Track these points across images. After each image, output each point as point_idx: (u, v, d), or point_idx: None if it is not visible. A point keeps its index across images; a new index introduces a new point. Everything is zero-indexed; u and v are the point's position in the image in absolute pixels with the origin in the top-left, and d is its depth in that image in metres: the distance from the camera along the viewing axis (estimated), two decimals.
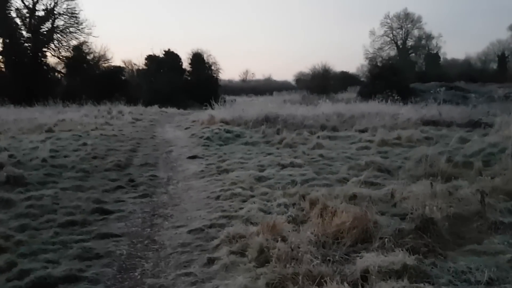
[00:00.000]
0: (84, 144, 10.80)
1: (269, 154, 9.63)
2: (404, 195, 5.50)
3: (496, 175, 6.16)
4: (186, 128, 15.71)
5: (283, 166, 8.09)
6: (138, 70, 39.47)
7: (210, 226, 4.84)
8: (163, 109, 28.51)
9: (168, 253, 4.24)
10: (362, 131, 13.68)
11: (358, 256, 3.64)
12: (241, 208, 5.42)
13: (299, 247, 3.66)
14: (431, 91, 34.82)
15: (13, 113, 21.42)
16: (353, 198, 5.42)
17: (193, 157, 9.63)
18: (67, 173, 7.70)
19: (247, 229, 4.40)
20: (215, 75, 40.20)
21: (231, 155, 9.56)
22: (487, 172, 6.65)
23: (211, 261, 3.90)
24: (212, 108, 18.92)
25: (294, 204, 5.38)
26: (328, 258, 3.61)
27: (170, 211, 5.69)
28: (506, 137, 9.29)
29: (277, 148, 10.61)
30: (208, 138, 11.97)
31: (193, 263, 3.97)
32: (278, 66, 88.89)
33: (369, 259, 3.45)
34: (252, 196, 6.00)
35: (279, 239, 3.85)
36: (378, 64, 43.62)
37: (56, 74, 36.95)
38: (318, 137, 12.17)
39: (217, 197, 6.15)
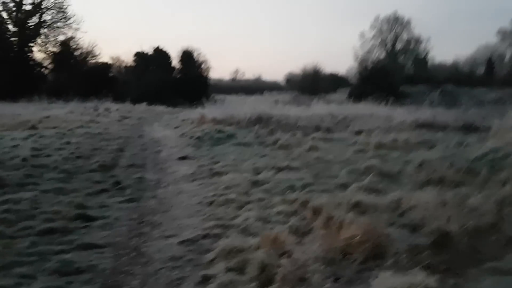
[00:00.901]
0: (68, 142, 10.28)
1: (264, 156, 9.23)
2: (411, 204, 5.15)
3: (506, 182, 5.85)
4: (175, 127, 15.23)
5: (279, 169, 7.69)
6: (126, 67, 38.76)
7: (204, 237, 4.41)
8: (152, 107, 27.90)
9: (157, 268, 3.80)
10: (357, 133, 13.36)
11: (371, 275, 3.26)
12: (237, 216, 5.00)
13: (305, 265, 3.26)
14: (422, 94, 34.97)
15: None
16: (357, 206, 5.04)
17: (184, 158, 9.19)
18: (48, 174, 7.20)
19: (245, 241, 3.99)
20: (205, 74, 39.65)
21: (223, 157, 9.13)
22: (494, 179, 6.34)
23: (206, 279, 3.47)
24: (203, 107, 18.46)
25: (294, 212, 4.99)
26: (338, 277, 3.22)
27: (159, 218, 5.24)
28: (508, 142, 9.02)
29: (272, 150, 10.21)
30: (199, 138, 11.53)
31: (185, 281, 3.54)
32: (268, 66, 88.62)
33: (386, 280, 3.07)
34: (248, 203, 5.59)
35: (282, 254, 3.46)
36: (369, 66, 43.61)
37: (43, 69, 36.13)
38: (313, 138, 11.80)
39: (210, 203, 5.72)
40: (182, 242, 4.33)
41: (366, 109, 19.73)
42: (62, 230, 4.65)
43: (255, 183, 6.60)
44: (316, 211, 4.78)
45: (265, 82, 61.48)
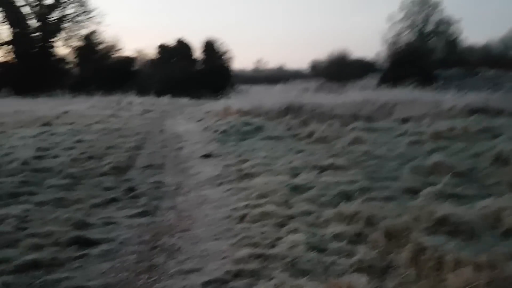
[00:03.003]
0: (80, 141, 9.23)
1: (300, 151, 7.91)
2: None
3: None
4: (198, 120, 14.07)
5: (322, 169, 6.38)
6: (149, 59, 38.10)
7: (236, 275, 3.17)
8: (175, 99, 26.97)
9: None
10: (404, 121, 11.87)
11: None
12: (278, 240, 3.74)
13: None
14: (455, 77, 33.01)
15: (16, 104, 20.13)
16: (443, 223, 3.70)
17: (207, 156, 7.99)
18: (50, 180, 6.10)
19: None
20: (227, 64, 38.61)
21: (252, 154, 7.88)
22: None
23: None
24: (227, 98, 17.24)
25: (359, 236, 3.68)
26: None
27: (178, 240, 4.04)
28: None
29: (307, 144, 8.89)
30: (224, 131, 10.30)
31: None
32: (291, 55, 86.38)
33: None
34: (291, 218, 4.32)
35: None
36: (400, 50, 41.47)
37: (66, 64, 35.85)
38: (353, 129, 10.40)
39: (242, 218, 4.48)
40: (207, 284, 3.10)
41: (404, 94, 18.06)
42: (48, 264, 3.50)
43: (296, 189, 5.31)
44: (391, 234, 3.47)
45: (289, 71, 59.85)
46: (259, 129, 10.67)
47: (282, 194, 5.09)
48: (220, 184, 6.00)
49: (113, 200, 5.33)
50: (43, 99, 24.87)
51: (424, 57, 38.66)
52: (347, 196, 4.96)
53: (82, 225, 4.42)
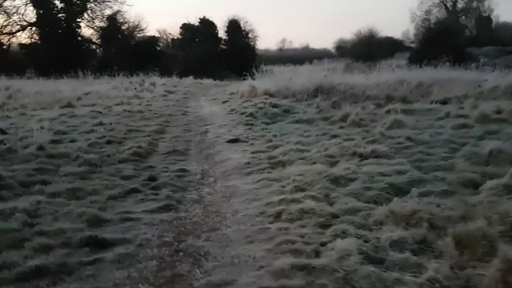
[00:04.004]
0: (101, 123, 8.78)
1: (334, 136, 7.24)
2: None
3: None
4: (223, 102, 13.49)
5: (362, 157, 5.71)
6: (173, 40, 37.63)
7: None
8: (198, 80, 26.49)
9: None
10: (443, 102, 10.99)
11: None
12: (324, 246, 3.14)
13: None
14: (490, 56, 31.40)
15: (39, 85, 19.98)
16: None
17: (235, 141, 7.41)
18: (66, 167, 5.64)
19: None
20: (252, 44, 37.75)
21: (283, 138, 7.26)
22: None
23: None
24: (253, 78, 16.53)
25: (422, 243, 3.04)
26: None
27: (205, 243, 3.48)
28: None
29: (341, 128, 8.19)
30: (251, 114, 9.68)
31: None
32: (315, 34, 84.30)
33: None
34: (335, 217, 3.70)
35: None
36: (431, 27, 39.66)
37: (90, 45, 35.75)
38: (390, 111, 9.61)
39: (277, 215, 3.89)
40: None
41: (439, 73, 16.97)
42: (55, 270, 3.01)
43: (336, 181, 4.67)
44: (463, 242, 2.82)
45: (314, 50, 58.46)
46: (287, 111, 10.01)
47: (321, 186, 4.47)
48: (250, 173, 5.42)
49: (132, 191, 4.83)
50: (66, 80, 24.76)
51: (455, 35, 36.83)
52: (397, 190, 4.32)
53: (97, 221, 3.92)
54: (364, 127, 8.07)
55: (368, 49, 41.50)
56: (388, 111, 9.68)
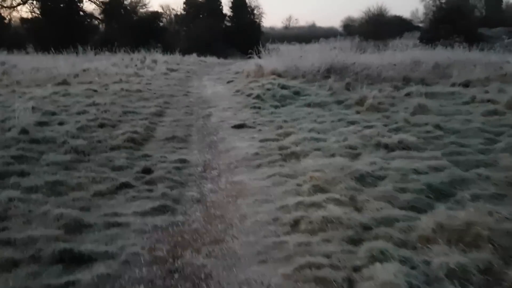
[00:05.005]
0: (95, 103, 8.04)
1: (352, 123, 6.50)
2: None
3: None
4: (228, 82, 12.67)
5: (388, 148, 5.00)
6: (176, 16, 36.46)
7: None
8: (202, 58, 25.53)
9: None
10: (464, 85, 10.19)
11: None
12: (358, 272, 2.45)
13: None
14: (501, 38, 30.32)
15: (36, 61, 19.17)
16: None
17: (241, 126, 6.67)
18: (50, 154, 4.94)
19: None
20: (257, 21, 36.57)
21: (294, 124, 6.52)
22: None
23: None
24: (259, 57, 15.65)
25: (488, 273, 2.34)
26: None
27: (206, 260, 2.80)
28: None
29: (358, 113, 7.44)
30: (258, 96, 8.90)
31: None
32: (322, 12, 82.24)
33: None
34: (367, 228, 3.01)
35: None
36: (441, 6, 38.31)
37: (92, 20, 34.75)
38: (409, 94, 8.86)
39: (295, 224, 3.20)
40: None
41: (456, 54, 16.09)
42: None
43: (362, 179, 3.96)
44: None
45: (321, 29, 57.00)
46: (298, 93, 9.23)
47: (345, 186, 3.76)
48: (259, 166, 4.71)
49: (123, 186, 4.14)
50: (66, 56, 23.87)
51: (467, 15, 35.69)
52: (437, 193, 3.63)
53: (77, 227, 3.25)
54: (383, 112, 7.32)
55: (377, 28, 40.23)
56: (408, 94, 8.94)
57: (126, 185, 4.17)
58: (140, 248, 2.95)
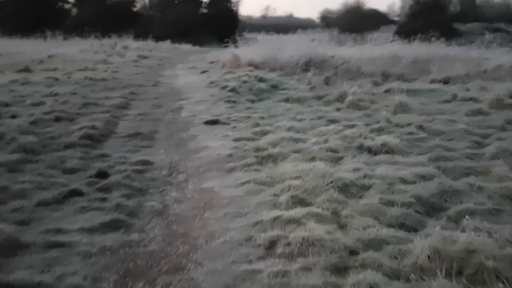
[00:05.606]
0: (54, 93, 7.36)
1: (332, 121, 6.08)
2: None
3: None
4: (202, 72, 12.09)
5: (372, 152, 4.62)
6: (151, 1, 35.28)
7: None
8: (176, 45, 24.78)
9: None
10: (444, 81, 9.97)
11: None
12: None
13: None
14: (475, 33, 30.74)
15: (1, 45, 18.03)
16: None
17: (214, 122, 6.17)
18: None
19: None
20: (234, 9, 35.83)
21: (272, 122, 6.06)
22: None
23: None
24: (235, 46, 15.10)
25: None
26: None
27: None
28: None
29: (338, 110, 7.05)
30: (233, 89, 8.39)
31: None
32: (300, 2, 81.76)
33: None
34: (354, 254, 2.58)
35: None
36: (418, 0, 38.58)
37: (65, 3, 33.25)
38: (389, 90, 8.55)
39: (270, 246, 2.75)
40: None
41: (433, 49, 15.92)
42: None
43: (345, 189, 3.54)
44: None
45: (298, 20, 56.77)
46: (276, 87, 8.77)
47: (327, 198, 3.33)
48: (232, 170, 4.23)
49: (72, 193, 3.59)
50: (33, 41, 22.75)
51: (443, 9, 36.21)
52: (427, 207, 3.27)
53: (11, 247, 2.72)
54: (364, 109, 6.95)
55: (355, 21, 40.30)
56: (387, 91, 8.62)
57: (75, 193, 3.62)
58: (81, 279, 2.43)
